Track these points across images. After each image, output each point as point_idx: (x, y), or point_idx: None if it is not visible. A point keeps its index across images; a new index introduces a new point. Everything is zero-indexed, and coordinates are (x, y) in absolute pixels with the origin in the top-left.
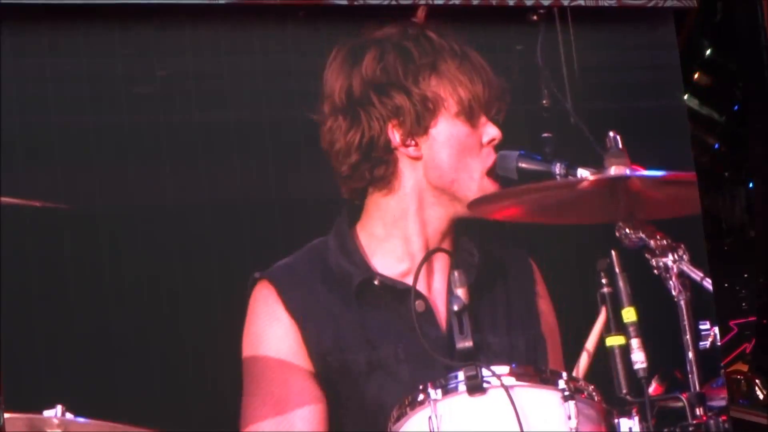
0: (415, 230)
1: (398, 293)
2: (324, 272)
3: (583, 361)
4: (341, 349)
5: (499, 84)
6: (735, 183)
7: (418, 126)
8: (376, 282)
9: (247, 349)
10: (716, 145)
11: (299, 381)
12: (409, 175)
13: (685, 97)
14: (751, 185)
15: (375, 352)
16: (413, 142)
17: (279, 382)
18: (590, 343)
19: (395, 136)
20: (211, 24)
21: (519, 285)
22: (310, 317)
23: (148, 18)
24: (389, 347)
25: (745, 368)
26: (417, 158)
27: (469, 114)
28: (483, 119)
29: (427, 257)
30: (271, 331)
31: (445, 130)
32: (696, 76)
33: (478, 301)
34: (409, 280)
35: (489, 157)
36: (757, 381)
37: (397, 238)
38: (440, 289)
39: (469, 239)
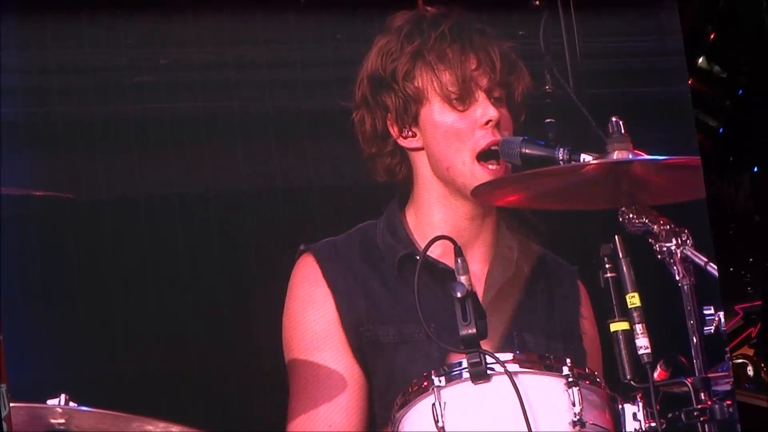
0: (441, 218)
1: (438, 272)
2: (367, 250)
3: None
4: (373, 320)
5: (505, 64)
6: (739, 168)
7: (407, 118)
8: (418, 257)
9: (288, 327)
10: (720, 130)
11: (334, 364)
12: (419, 165)
13: (689, 82)
14: (755, 170)
15: (406, 327)
16: (410, 133)
17: (313, 367)
18: None
19: (394, 129)
20: (214, 13)
21: (563, 298)
22: (346, 289)
23: (151, 8)
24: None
25: (750, 353)
26: (419, 148)
27: (455, 98)
28: (477, 100)
29: (431, 243)
30: (310, 309)
31: (431, 118)
32: (700, 61)
33: (517, 297)
34: (447, 261)
35: (484, 139)
36: (762, 365)
37: (426, 225)
38: (479, 275)
39: (512, 236)
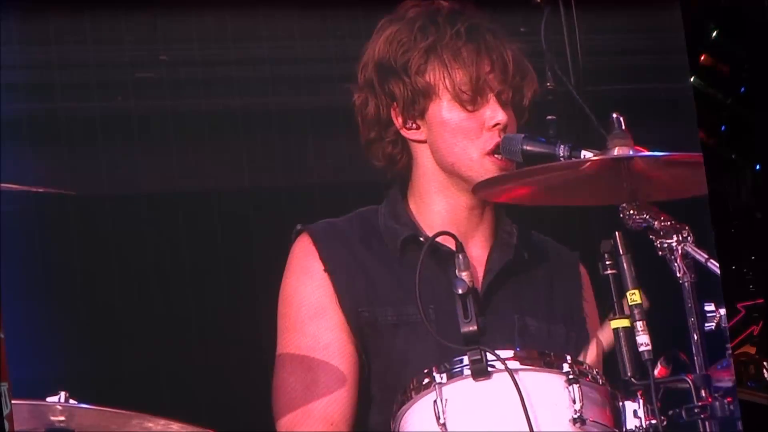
0: (442, 208)
1: (442, 255)
2: (367, 232)
3: (592, 349)
4: (371, 302)
5: (518, 69)
6: (742, 165)
7: (413, 111)
8: (421, 238)
9: (282, 301)
10: (723, 128)
11: (329, 335)
12: (421, 156)
13: (692, 79)
14: (757, 167)
15: (405, 308)
16: (414, 125)
17: (308, 337)
18: (603, 334)
19: (398, 119)
20: (216, 9)
21: (565, 282)
22: (343, 270)
23: (154, 4)
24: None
25: (752, 351)
26: (421, 141)
27: (466, 98)
28: (488, 102)
29: (433, 239)
30: (305, 283)
31: (439, 115)
32: (702, 58)
33: (516, 281)
34: (450, 245)
35: (492, 140)
36: (765, 363)
37: (428, 213)
38: (480, 260)
39: (511, 221)
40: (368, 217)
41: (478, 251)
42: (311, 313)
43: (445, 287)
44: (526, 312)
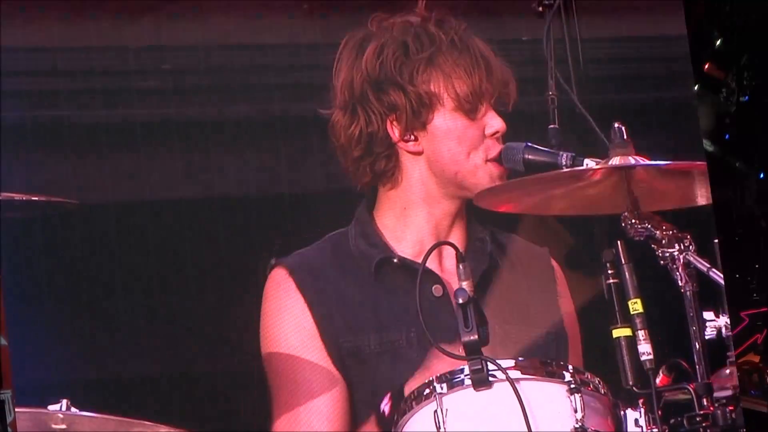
0: (424, 219)
1: (416, 275)
2: (340, 258)
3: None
4: (353, 331)
5: (504, 74)
6: (746, 173)
7: (415, 122)
8: (395, 260)
9: (264, 338)
10: (727, 136)
11: (314, 369)
12: (412, 168)
13: (695, 87)
14: (761, 175)
15: (387, 335)
16: (412, 137)
17: (294, 375)
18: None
19: (394, 131)
20: (222, 18)
21: (539, 282)
22: (322, 300)
23: (158, 11)
24: (401, 330)
25: (756, 359)
26: (418, 153)
27: (468, 107)
28: (486, 111)
29: (432, 250)
30: (285, 316)
31: (443, 125)
32: (706, 66)
33: (494, 289)
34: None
35: (493, 148)
36: None
37: (406, 226)
38: (455, 271)
39: (483, 228)
40: (339, 242)
41: (452, 261)
42: (295, 352)
43: (422, 306)
44: (505, 320)
